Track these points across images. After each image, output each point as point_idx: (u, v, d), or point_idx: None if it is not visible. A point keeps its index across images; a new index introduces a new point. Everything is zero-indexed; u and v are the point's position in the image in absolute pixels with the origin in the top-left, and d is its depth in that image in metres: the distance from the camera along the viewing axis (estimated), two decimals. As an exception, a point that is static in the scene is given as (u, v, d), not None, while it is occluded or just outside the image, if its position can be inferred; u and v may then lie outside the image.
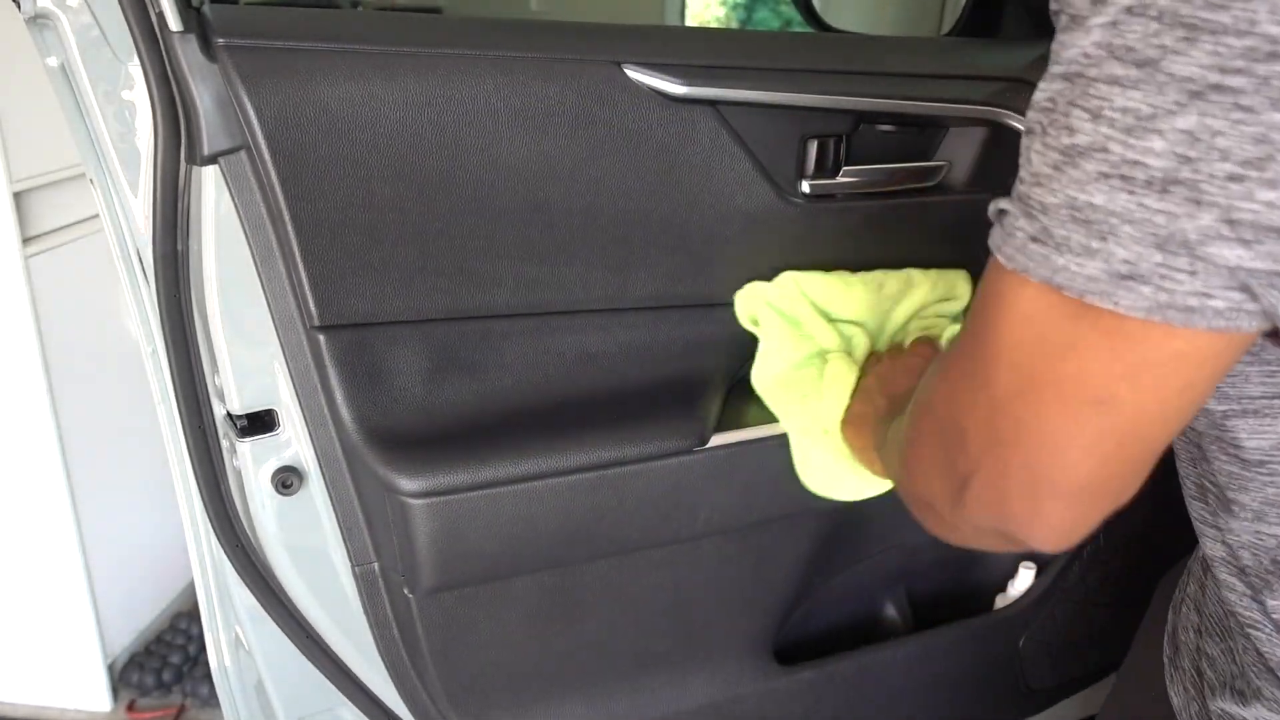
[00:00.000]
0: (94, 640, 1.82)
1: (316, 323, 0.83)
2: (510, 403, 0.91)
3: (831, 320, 0.94)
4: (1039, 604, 1.24)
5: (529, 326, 0.90)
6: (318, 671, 1.00)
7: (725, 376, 0.99)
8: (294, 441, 0.90)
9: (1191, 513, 0.63)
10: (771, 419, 0.95)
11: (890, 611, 1.32)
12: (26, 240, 1.60)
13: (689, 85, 0.86)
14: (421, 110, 0.80)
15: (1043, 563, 1.25)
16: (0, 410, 1.67)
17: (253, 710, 1.05)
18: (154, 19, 0.76)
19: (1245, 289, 0.38)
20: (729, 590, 1.07)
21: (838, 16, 2.04)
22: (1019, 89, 1.00)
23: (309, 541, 0.93)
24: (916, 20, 3.18)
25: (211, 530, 0.94)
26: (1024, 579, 1.24)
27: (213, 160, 0.80)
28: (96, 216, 1.04)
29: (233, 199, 0.81)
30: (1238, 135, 0.36)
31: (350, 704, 1.03)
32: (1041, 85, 0.42)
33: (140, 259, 0.86)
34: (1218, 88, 0.36)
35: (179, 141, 0.80)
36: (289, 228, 0.80)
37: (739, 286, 0.96)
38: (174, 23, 0.75)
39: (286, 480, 0.90)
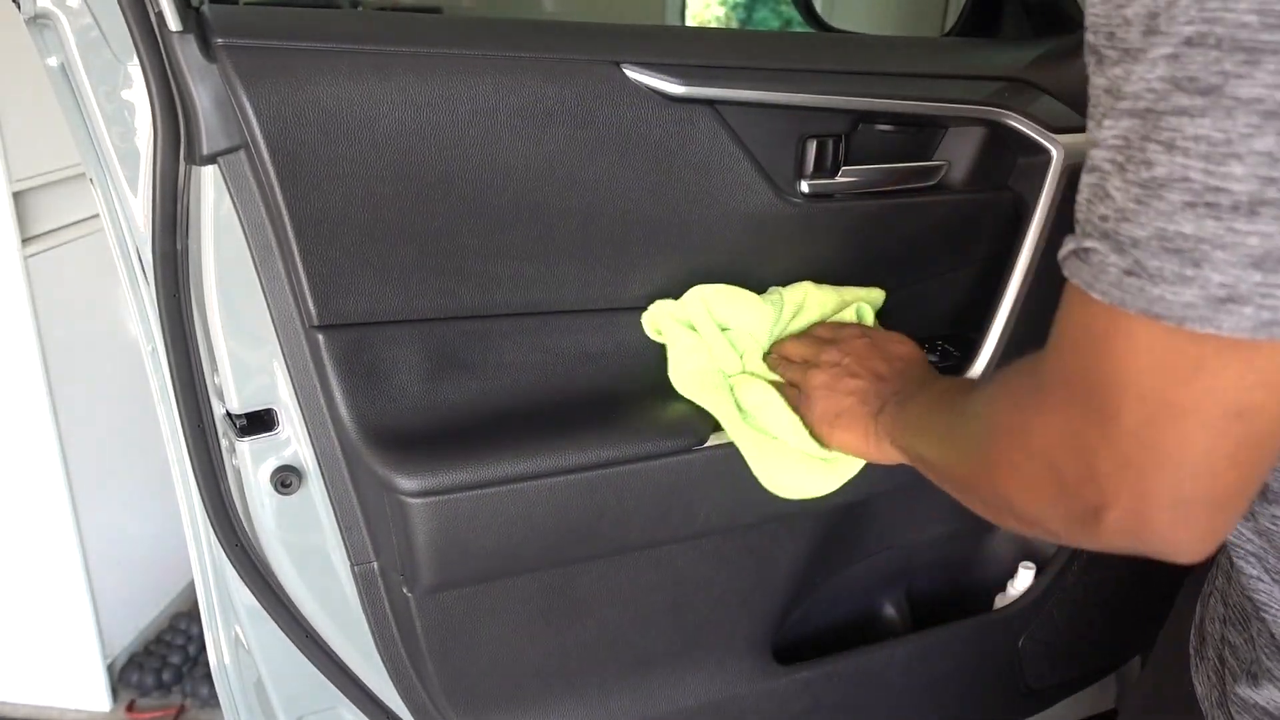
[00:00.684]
0: (94, 640, 1.82)
1: (315, 322, 0.83)
2: (509, 402, 0.91)
3: (725, 330, 0.95)
4: (1039, 604, 1.24)
5: (528, 326, 0.91)
6: (317, 671, 1.00)
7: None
8: (293, 441, 0.90)
9: None
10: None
11: (890, 611, 1.32)
12: (26, 240, 1.60)
13: (688, 85, 0.87)
14: (421, 110, 0.80)
15: (1042, 563, 1.25)
16: (0, 410, 1.67)
17: (252, 710, 1.05)
18: (153, 19, 0.76)
19: None
20: (728, 589, 1.07)
21: (838, 16, 2.04)
22: (1019, 89, 1.01)
23: (308, 541, 0.94)
24: (916, 20, 3.18)
25: (211, 529, 0.94)
26: (1024, 579, 1.24)
27: (212, 160, 0.80)
28: (96, 216, 1.05)
29: (232, 199, 0.81)
30: None
31: (350, 703, 1.03)
32: (1106, 123, 0.42)
33: (140, 258, 0.86)
34: None
35: (178, 141, 0.80)
36: (288, 227, 0.80)
37: (738, 286, 0.96)
38: (173, 23, 0.75)
39: (286, 479, 0.90)
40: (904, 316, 1.06)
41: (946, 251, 1.04)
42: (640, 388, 0.95)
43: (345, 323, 0.84)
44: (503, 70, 0.82)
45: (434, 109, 0.80)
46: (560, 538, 0.91)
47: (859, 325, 0.92)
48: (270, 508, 0.91)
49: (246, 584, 0.96)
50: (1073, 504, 0.48)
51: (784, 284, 0.98)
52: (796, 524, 1.07)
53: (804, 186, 0.95)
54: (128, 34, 0.77)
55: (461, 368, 0.89)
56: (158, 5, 0.75)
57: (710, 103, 0.89)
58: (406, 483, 0.84)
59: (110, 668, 1.87)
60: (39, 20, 0.79)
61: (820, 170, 0.95)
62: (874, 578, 1.28)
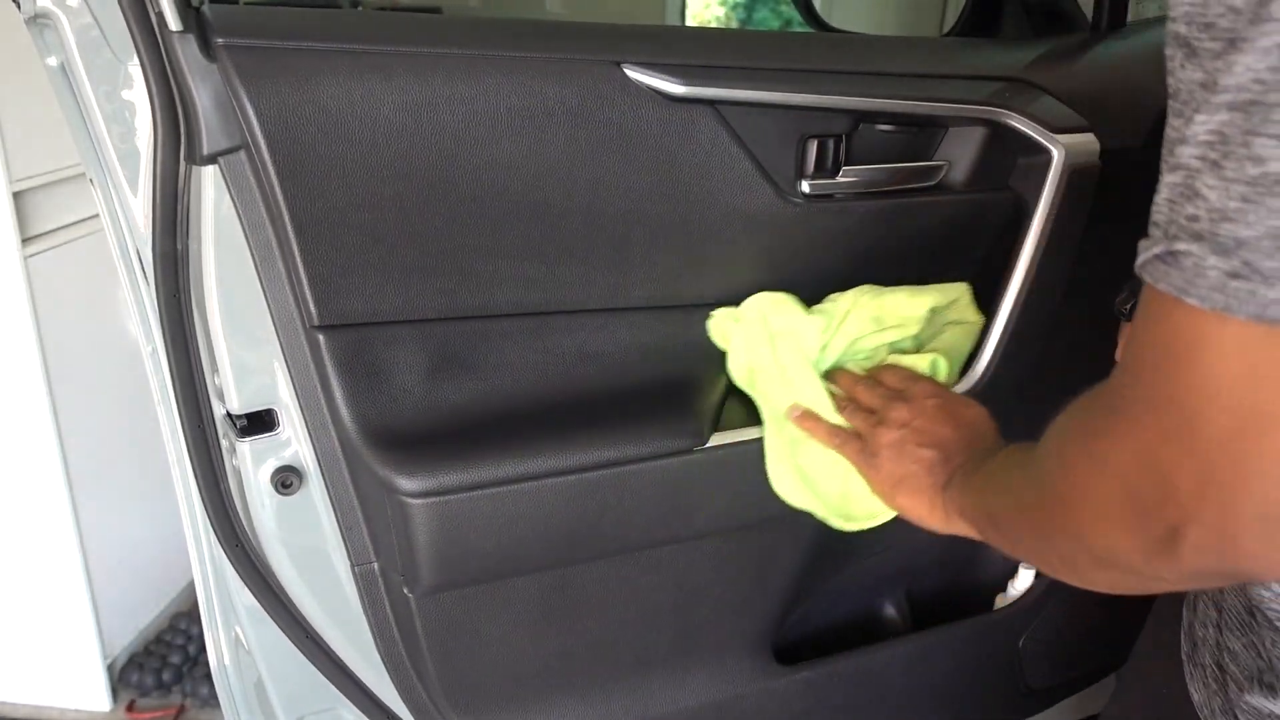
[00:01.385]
0: (94, 640, 1.82)
1: (316, 322, 0.83)
2: (510, 402, 0.91)
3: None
4: (1039, 604, 1.24)
5: (529, 326, 0.91)
6: (317, 671, 1.00)
7: (725, 376, 0.99)
8: (294, 441, 0.90)
9: None
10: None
11: (890, 611, 1.32)
12: (26, 240, 1.60)
13: (688, 85, 0.87)
14: (421, 110, 0.80)
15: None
16: (0, 410, 1.67)
17: (252, 710, 1.05)
18: (154, 19, 0.76)
19: None
20: (729, 590, 1.07)
21: (838, 16, 2.04)
22: (1019, 89, 1.01)
23: (309, 541, 0.94)
24: (916, 20, 3.18)
25: (211, 530, 0.94)
26: (1024, 579, 1.24)
27: (212, 160, 0.80)
28: (96, 216, 1.05)
29: (232, 199, 0.81)
30: None
31: (350, 703, 1.03)
32: (1199, 119, 0.40)
33: (140, 258, 0.86)
34: None
35: (179, 141, 0.80)
36: (288, 227, 0.80)
37: (739, 286, 0.96)
38: (174, 22, 0.75)
39: (286, 480, 0.90)
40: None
41: (947, 252, 1.04)
42: (641, 388, 0.95)
43: (346, 323, 0.84)
44: (503, 70, 0.82)
45: (434, 109, 0.80)
46: (561, 538, 0.91)
47: (931, 383, 0.89)
48: (271, 508, 0.91)
49: (247, 584, 0.96)
50: (1151, 528, 0.45)
51: (785, 284, 0.98)
52: (797, 524, 1.06)
53: (805, 186, 0.95)
54: (128, 34, 0.76)
55: (462, 368, 0.89)
56: (158, 5, 0.75)
57: (711, 102, 0.88)
58: (407, 483, 0.84)
59: (110, 668, 1.87)
60: (39, 20, 0.79)
61: (821, 170, 0.95)
62: (874, 578, 1.28)
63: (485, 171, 0.83)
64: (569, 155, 0.85)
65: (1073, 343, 1.00)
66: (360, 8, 2.12)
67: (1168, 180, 0.42)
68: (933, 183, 1.01)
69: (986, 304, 1.02)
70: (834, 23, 1.61)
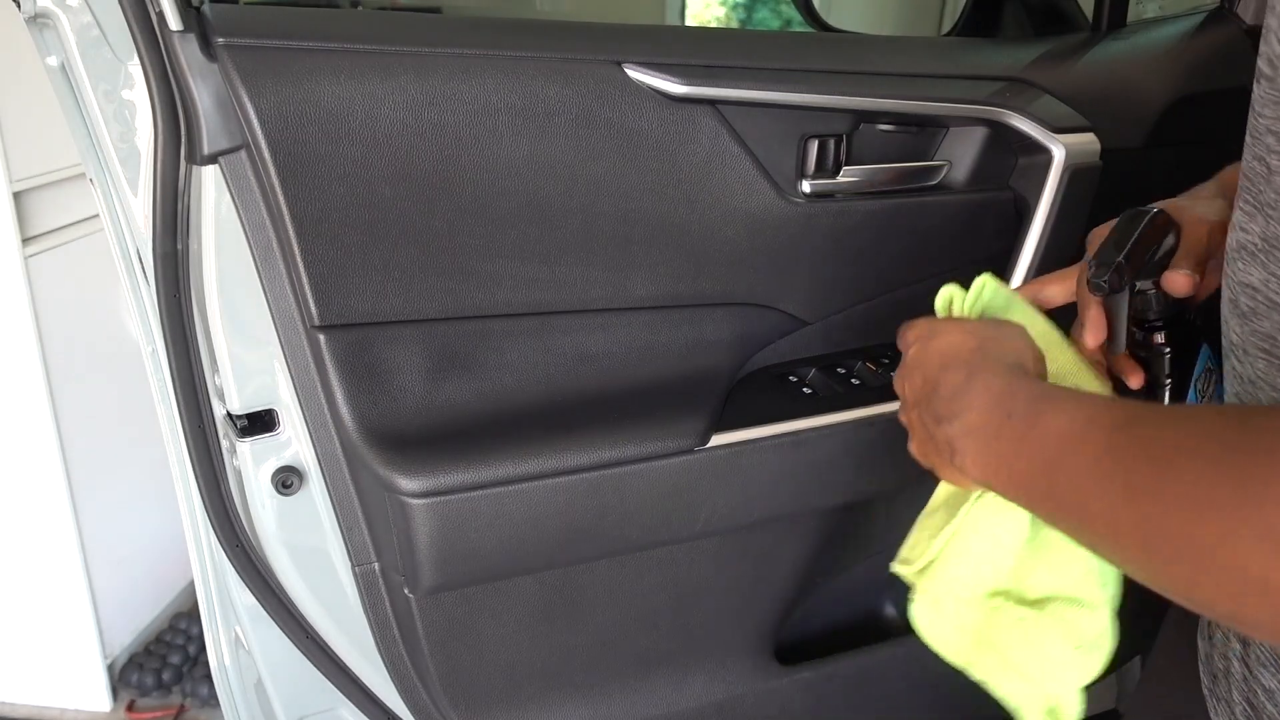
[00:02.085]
0: (94, 640, 1.82)
1: (316, 322, 0.83)
2: (511, 402, 0.91)
3: None
4: (1039, 604, 1.24)
5: (529, 326, 0.90)
6: (317, 671, 1.00)
7: (726, 376, 0.99)
8: (294, 441, 0.90)
9: None
10: (771, 419, 0.95)
11: (890, 611, 1.32)
12: (26, 240, 1.60)
13: (689, 85, 0.87)
14: (421, 110, 0.80)
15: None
16: (0, 410, 1.67)
17: (252, 710, 1.05)
18: (154, 18, 0.76)
19: None
20: (729, 590, 1.07)
21: (838, 16, 2.04)
22: (1019, 89, 1.01)
23: (309, 541, 0.93)
24: (916, 20, 3.18)
25: (211, 530, 0.94)
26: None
27: (213, 160, 0.80)
28: (96, 216, 1.05)
29: (233, 199, 0.81)
30: None
31: (350, 703, 1.03)
32: None
33: (140, 259, 0.86)
34: None
35: (179, 141, 0.80)
36: (289, 227, 0.80)
37: (739, 286, 0.95)
38: (174, 22, 0.75)
39: (286, 480, 0.90)
40: (904, 317, 1.06)
41: (948, 251, 1.04)
42: (641, 388, 0.95)
43: (346, 323, 0.84)
44: (504, 70, 0.82)
45: (435, 108, 0.80)
46: (562, 538, 0.91)
47: (913, 324, 0.68)
48: (271, 508, 0.91)
49: (247, 584, 0.96)
50: None
51: (785, 284, 0.98)
52: (798, 524, 1.06)
53: (805, 186, 0.95)
54: (128, 33, 0.76)
55: (463, 368, 0.89)
56: (158, 4, 0.75)
57: (712, 102, 0.88)
58: (408, 483, 0.84)
59: (110, 668, 1.87)
60: (39, 20, 0.79)
61: (821, 170, 0.95)
62: (874, 578, 1.28)
63: (486, 171, 0.83)
64: (570, 155, 0.85)
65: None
66: (360, 8, 2.12)
67: None
68: (933, 182, 1.01)
69: (987, 304, 1.02)
70: (834, 23, 1.60)
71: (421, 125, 0.80)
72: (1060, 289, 0.71)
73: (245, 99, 0.76)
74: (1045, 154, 0.98)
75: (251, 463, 0.89)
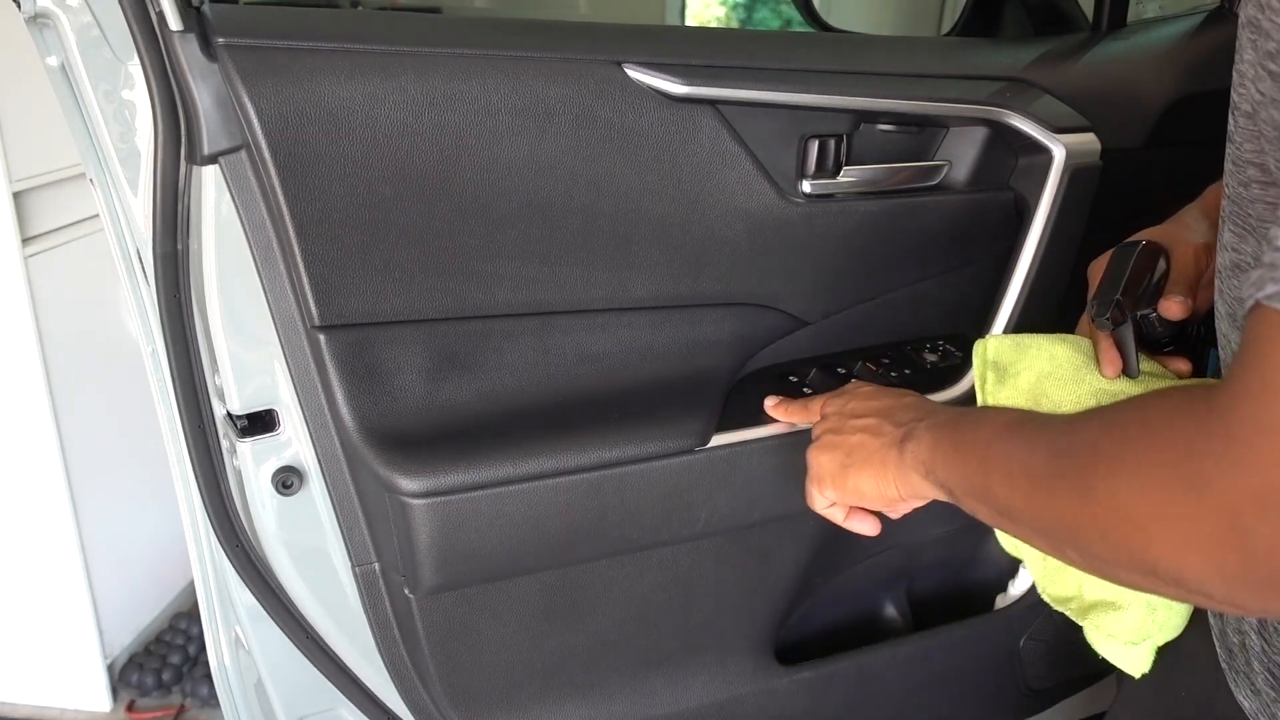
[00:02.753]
0: (94, 640, 1.82)
1: (317, 322, 0.83)
2: (511, 403, 0.91)
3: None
4: (1039, 604, 1.24)
5: (530, 326, 0.90)
6: (317, 671, 1.00)
7: (726, 376, 0.99)
8: (294, 441, 0.90)
9: None
10: (771, 419, 0.95)
11: (890, 611, 1.32)
12: (26, 240, 1.60)
13: (689, 85, 0.87)
14: (422, 110, 0.80)
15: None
16: (0, 410, 1.67)
17: (252, 710, 1.05)
18: (154, 18, 0.76)
19: None
20: (729, 590, 1.07)
21: (838, 16, 2.04)
22: (1020, 89, 1.01)
23: (309, 541, 0.93)
24: (916, 20, 3.18)
25: (211, 530, 0.94)
26: (1024, 579, 1.24)
27: (213, 160, 0.80)
28: (96, 216, 1.05)
29: (233, 199, 0.81)
30: None
31: (350, 704, 1.03)
32: None
33: (140, 259, 0.86)
34: None
35: (179, 141, 0.80)
36: (289, 227, 0.80)
37: (739, 286, 0.95)
38: (174, 22, 0.75)
39: (287, 480, 0.90)
40: (905, 316, 1.06)
41: (948, 251, 1.04)
42: (642, 388, 0.95)
43: (347, 323, 0.84)
44: (504, 70, 0.82)
45: (435, 108, 0.80)
46: (562, 538, 0.91)
47: (868, 385, 0.82)
48: (271, 508, 0.91)
49: (247, 584, 0.96)
50: (1256, 573, 0.42)
51: (786, 284, 0.98)
52: (798, 525, 1.06)
53: (805, 186, 0.95)
54: (128, 33, 0.76)
55: (463, 368, 0.89)
56: (158, 4, 0.75)
57: (712, 102, 0.88)
58: (408, 483, 0.84)
59: (110, 668, 1.87)
60: (39, 19, 0.79)
61: (822, 170, 0.95)
62: (874, 578, 1.28)
63: (486, 171, 0.83)
64: (570, 155, 0.85)
65: (1073, 343, 1.00)
66: (360, 8, 2.12)
67: None
68: (934, 182, 1.01)
69: (988, 304, 1.03)
70: (834, 23, 1.60)
71: (422, 125, 0.80)
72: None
73: (245, 99, 0.76)
74: (1045, 154, 0.98)
75: (252, 463, 0.89)
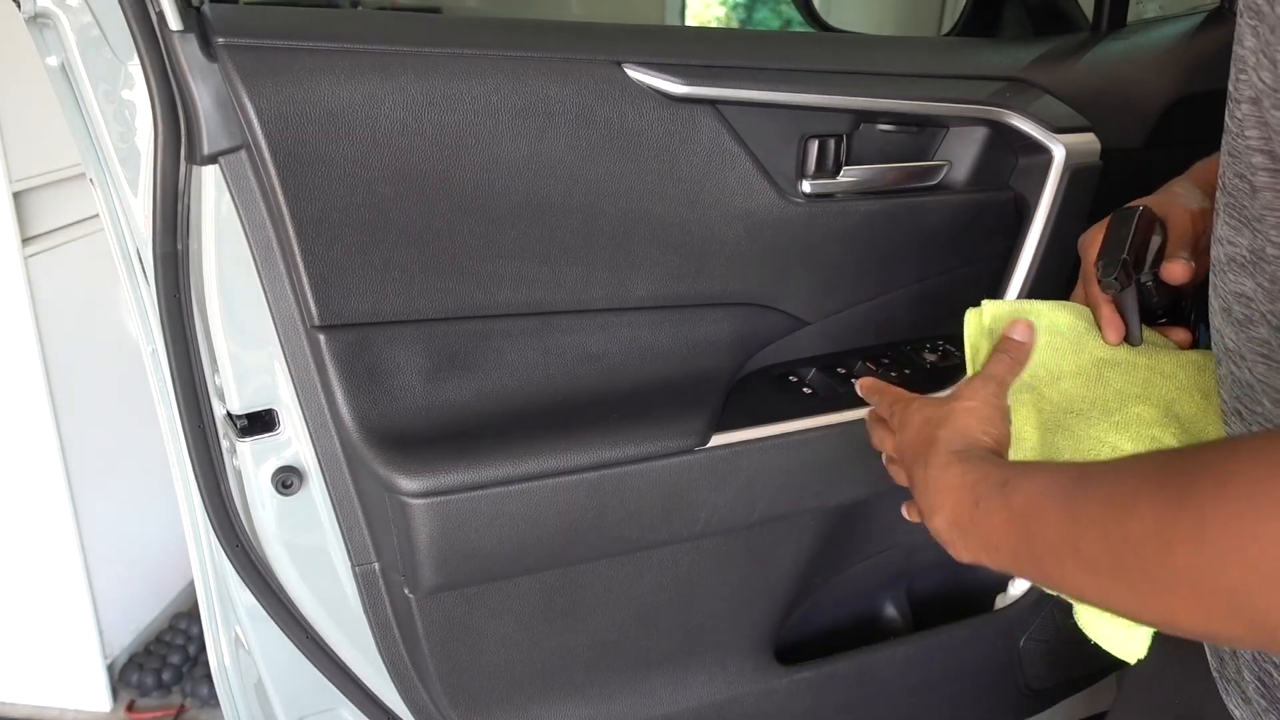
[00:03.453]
0: (94, 640, 1.82)
1: (317, 322, 0.83)
2: (511, 402, 0.91)
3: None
4: (1039, 604, 1.24)
5: (529, 326, 0.90)
6: (318, 671, 1.00)
7: (726, 376, 0.99)
8: (294, 441, 0.90)
9: None
10: (771, 419, 0.95)
11: (890, 611, 1.32)
12: (26, 240, 1.60)
13: (689, 85, 0.87)
14: (422, 110, 0.80)
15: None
16: (0, 410, 1.67)
17: (252, 710, 1.05)
18: (154, 18, 0.76)
19: None
20: (729, 590, 1.07)
21: (838, 16, 2.04)
22: (1020, 89, 1.01)
23: (309, 541, 0.93)
24: (916, 20, 3.18)
25: (211, 530, 0.94)
26: (1024, 579, 1.24)
27: (213, 160, 0.80)
28: (96, 216, 1.05)
29: (233, 199, 0.81)
30: None
31: (350, 704, 1.03)
32: None
33: (140, 259, 0.86)
34: None
35: (179, 141, 0.80)
36: (289, 227, 0.80)
37: (739, 286, 0.95)
38: (174, 22, 0.75)
39: (286, 480, 0.90)
40: (905, 316, 1.06)
41: (948, 251, 1.04)
42: (641, 388, 0.95)
43: (346, 323, 0.84)
44: (504, 70, 0.82)
45: (435, 108, 0.80)
46: (562, 538, 0.91)
47: (918, 403, 0.68)
48: (271, 508, 0.91)
49: (247, 584, 0.96)
50: None
51: (786, 284, 0.98)
52: (798, 524, 1.06)
53: (805, 186, 0.95)
54: (128, 33, 0.76)
55: (463, 368, 0.89)
56: (158, 4, 0.75)
57: (712, 102, 0.88)
58: (408, 483, 0.84)
59: (110, 668, 1.87)
60: (39, 19, 0.79)
61: (822, 170, 0.95)
62: (875, 578, 1.28)
63: (486, 171, 0.83)
64: (570, 155, 0.85)
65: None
66: (360, 8, 2.12)
67: None
68: (933, 182, 1.01)
69: (987, 304, 1.02)
70: (834, 23, 1.61)
71: (421, 125, 0.80)
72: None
73: (245, 99, 0.76)
74: (1045, 154, 0.98)
75: (251, 463, 0.89)
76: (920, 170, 1.00)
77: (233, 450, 0.91)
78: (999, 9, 1.31)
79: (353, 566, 0.95)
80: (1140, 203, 0.74)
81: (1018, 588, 1.25)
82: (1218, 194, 0.56)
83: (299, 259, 0.81)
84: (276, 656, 0.99)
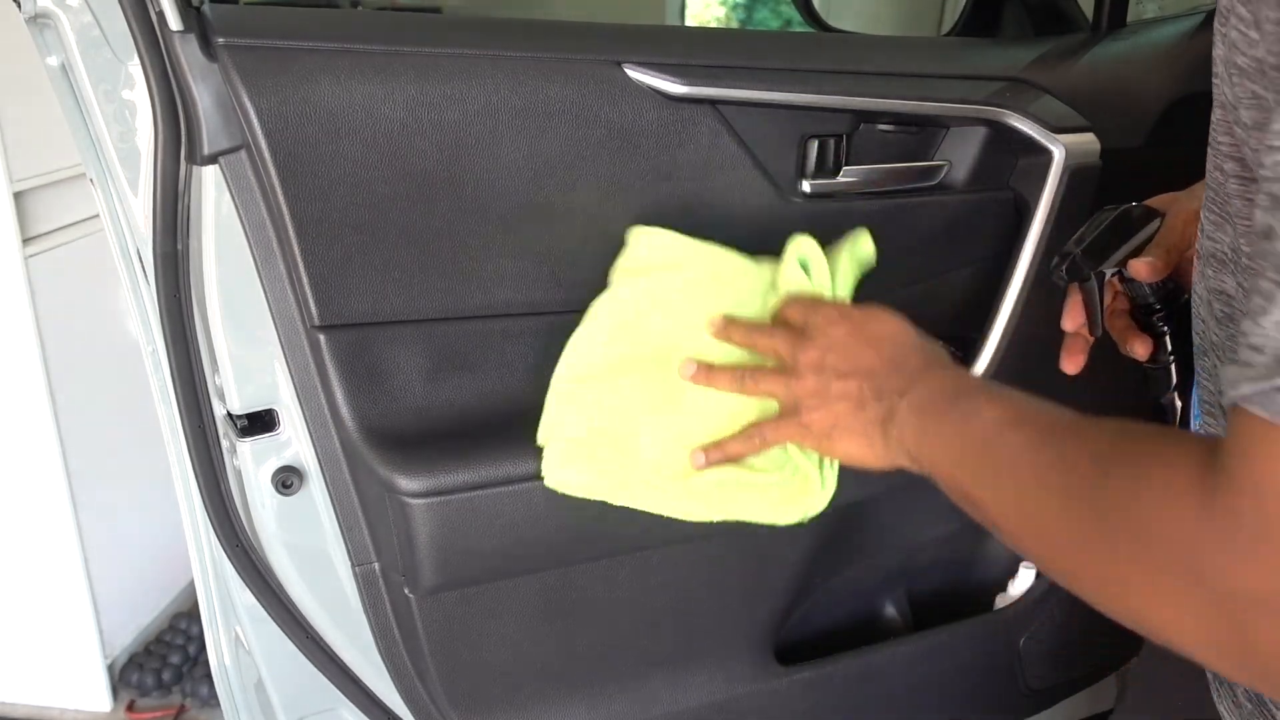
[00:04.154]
0: (94, 640, 1.82)
1: (316, 322, 0.83)
2: (511, 402, 0.91)
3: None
4: (1039, 604, 1.24)
5: (529, 326, 0.90)
6: (318, 671, 1.00)
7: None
8: (294, 441, 0.90)
9: None
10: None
11: (890, 611, 1.32)
12: (26, 240, 1.60)
13: (689, 85, 0.87)
14: (421, 110, 0.80)
15: (1043, 563, 1.25)
16: (0, 410, 1.67)
17: (253, 710, 1.05)
18: (154, 18, 0.76)
19: None
20: (729, 590, 1.07)
21: (838, 16, 2.04)
22: (1019, 89, 1.01)
23: (309, 541, 0.93)
24: (916, 20, 3.18)
25: (211, 530, 0.94)
26: (1024, 579, 1.24)
27: (213, 160, 0.80)
28: (96, 216, 1.05)
29: (233, 199, 0.81)
30: None
31: (350, 704, 1.03)
32: None
33: (140, 259, 0.86)
34: None
35: (179, 141, 0.80)
36: (289, 227, 0.80)
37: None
38: (174, 22, 0.75)
39: (286, 480, 0.90)
40: (905, 316, 1.06)
41: (947, 251, 1.04)
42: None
43: (346, 323, 0.84)
44: (504, 70, 0.82)
45: (435, 108, 0.80)
46: (561, 538, 0.91)
47: (832, 307, 0.78)
48: (271, 508, 0.91)
49: (247, 584, 0.96)
50: (1254, 660, 0.42)
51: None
52: (797, 525, 1.06)
53: (805, 186, 0.95)
54: (128, 33, 0.76)
55: (463, 368, 0.89)
56: (158, 4, 0.75)
57: (711, 102, 0.88)
58: (408, 483, 0.84)
59: (110, 668, 1.87)
60: (39, 19, 0.79)
61: (822, 170, 0.95)
62: (874, 578, 1.28)
63: (485, 171, 0.83)
64: (569, 155, 0.85)
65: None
66: (360, 8, 2.12)
67: None
68: (933, 182, 1.01)
69: (987, 304, 1.02)
70: (834, 23, 1.61)
71: (421, 125, 0.80)
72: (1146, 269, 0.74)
73: (245, 99, 0.76)
74: (1045, 154, 0.98)
75: (251, 462, 0.89)
76: (920, 170, 1.00)
77: (233, 450, 0.91)
78: (999, 9, 1.31)
79: (353, 566, 0.95)
80: (1157, 200, 0.77)
81: (1018, 588, 1.25)
82: (1205, 189, 0.56)
83: (299, 259, 0.81)
84: (276, 656, 0.99)
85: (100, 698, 1.86)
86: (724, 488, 0.83)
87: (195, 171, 0.80)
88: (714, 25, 4.40)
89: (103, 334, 1.77)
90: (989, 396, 0.62)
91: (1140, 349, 0.75)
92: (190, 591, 2.06)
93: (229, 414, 0.89)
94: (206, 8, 0.77)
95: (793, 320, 0.78)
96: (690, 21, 3.99)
